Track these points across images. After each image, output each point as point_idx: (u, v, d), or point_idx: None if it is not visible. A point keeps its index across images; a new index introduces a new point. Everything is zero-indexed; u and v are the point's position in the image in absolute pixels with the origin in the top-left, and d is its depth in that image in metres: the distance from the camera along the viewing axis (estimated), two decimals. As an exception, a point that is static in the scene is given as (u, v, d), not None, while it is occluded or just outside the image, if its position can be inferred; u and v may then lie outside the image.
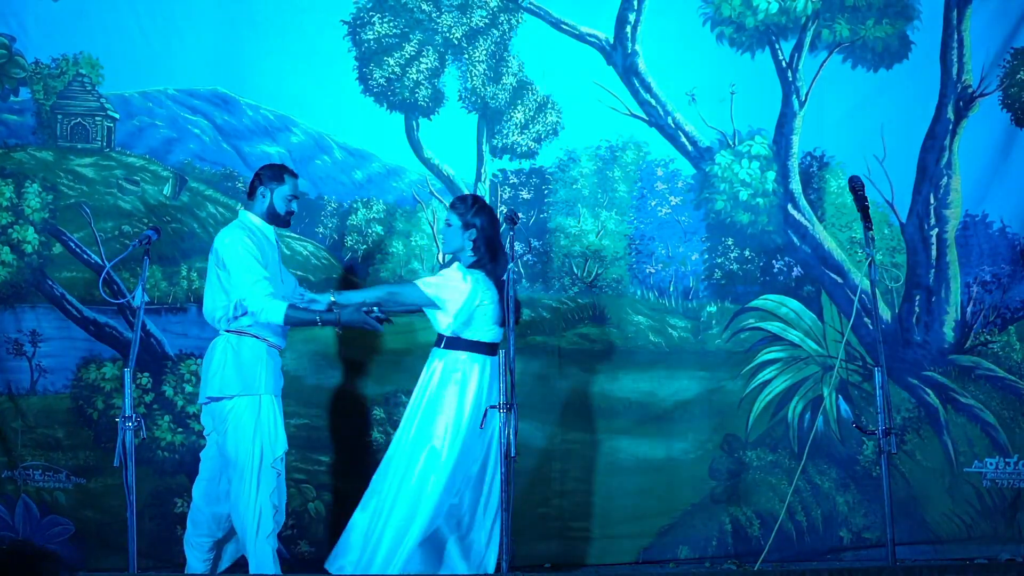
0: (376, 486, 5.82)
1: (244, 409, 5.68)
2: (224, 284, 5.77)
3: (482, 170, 6.87)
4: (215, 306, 5.81)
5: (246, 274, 5.69)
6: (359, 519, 5.80)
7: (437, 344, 5.83)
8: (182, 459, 6.65)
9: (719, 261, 6.93)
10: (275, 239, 5.96)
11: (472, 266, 5.83)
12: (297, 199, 5.99)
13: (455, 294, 5.75)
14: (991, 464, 6.85)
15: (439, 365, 5.80)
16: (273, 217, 5.90)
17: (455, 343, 5.79)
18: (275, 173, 5.93)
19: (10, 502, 6.57)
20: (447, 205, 6.10)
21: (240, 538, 5.75)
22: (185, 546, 5.95)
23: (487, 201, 6.30)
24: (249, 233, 5.79)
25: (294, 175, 5.98)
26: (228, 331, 5.77)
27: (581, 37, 6.90)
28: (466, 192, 6.67)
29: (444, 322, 5.79)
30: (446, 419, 5.74)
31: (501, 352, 5.46)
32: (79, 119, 6.75)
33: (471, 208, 5.84)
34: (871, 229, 5.67)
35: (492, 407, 5.54)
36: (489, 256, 5.82)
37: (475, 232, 5.80)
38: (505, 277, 5.41)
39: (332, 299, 5.78)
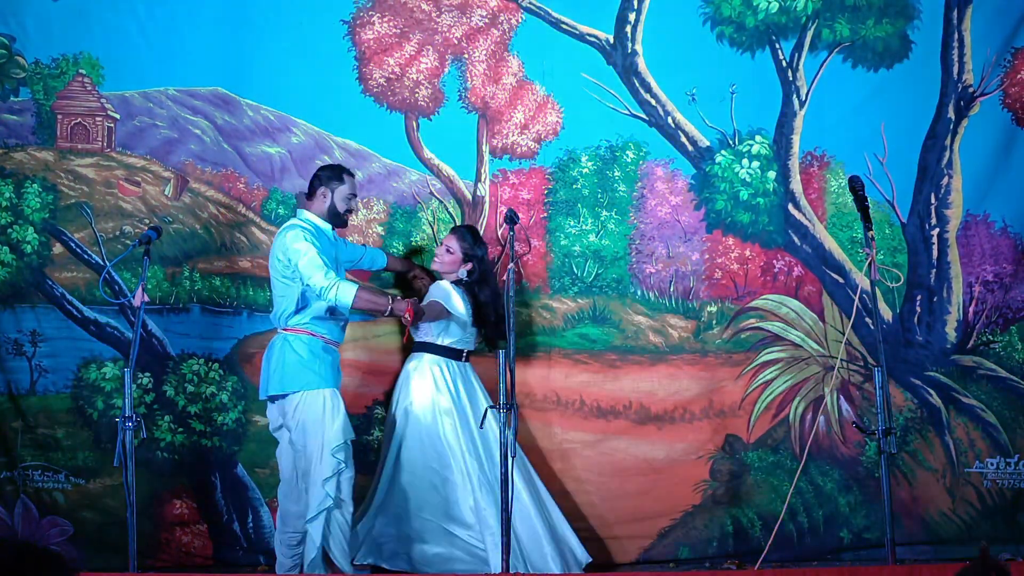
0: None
1: (309, 403, 5.90)
2: (285, 281, 5.97)
3: (482, 170, 6.86)
4: (277, 305, 6.05)
5: (312, 261, 5.88)
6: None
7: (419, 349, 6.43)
8: (182, 459, 6.65)
9: (719, 261, 6.92)
10: (334, 237, 6.19)
11: (456, 283, 6.45)
12: (356, 197, 6.26)
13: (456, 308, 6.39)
14: (992, 464, 6.83)
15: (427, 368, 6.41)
16: (334, 216, 6.16)
17: (428, 348, 6.39)
18: (335, 173, 6.18)
19: (9, 502, 6.55)
20: (452, 231, 6.61)
21: None
22: (275, 544, 6.17)
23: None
24: (308, 231, 5.99)
25: (351, 175, 6.24)
26: (285, 329, 6.02)
27: (581, 37, 6.88)
28: (467, 191, 6.75)
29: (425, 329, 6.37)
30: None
31: (501, 353, 5.59)
32: (79, 119, 6.74)
33: (475, 244, 6.46)
34: (871, 229, 5.62)
35: (491, 407, 5.50)
36: (480, 279, 6.46)
37: (474, 264, 6.44)
38: (505, 278, 5.56)
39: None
